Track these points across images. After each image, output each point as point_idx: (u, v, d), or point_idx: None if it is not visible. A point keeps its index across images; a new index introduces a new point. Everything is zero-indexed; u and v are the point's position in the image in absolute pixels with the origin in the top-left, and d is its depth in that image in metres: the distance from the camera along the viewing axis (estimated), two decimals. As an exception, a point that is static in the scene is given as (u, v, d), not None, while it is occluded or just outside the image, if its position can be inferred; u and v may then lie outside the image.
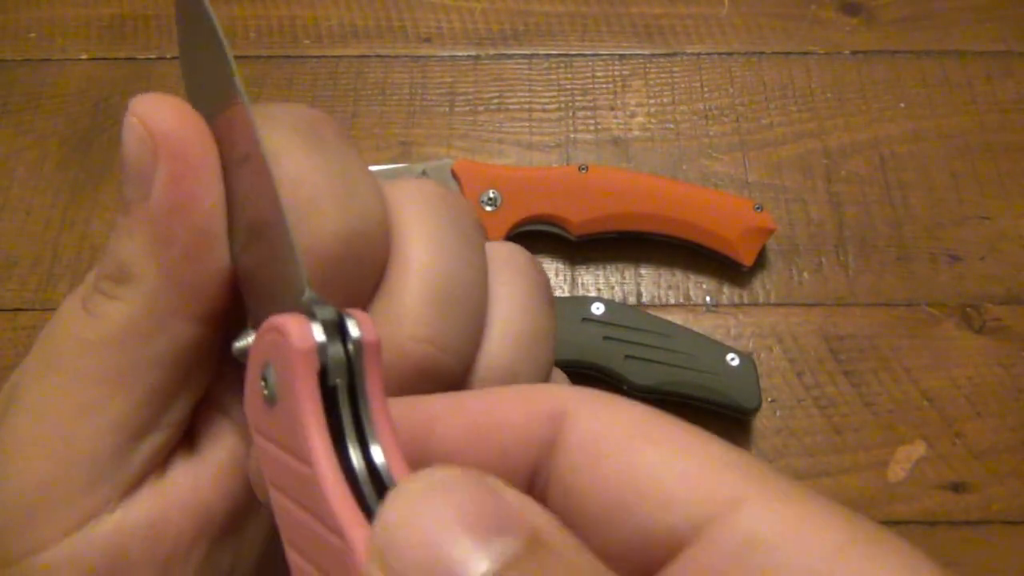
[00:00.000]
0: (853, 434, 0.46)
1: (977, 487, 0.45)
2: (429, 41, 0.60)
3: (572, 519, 0.14)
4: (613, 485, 0.14)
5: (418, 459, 0.14)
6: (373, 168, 0.52)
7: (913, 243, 0.52)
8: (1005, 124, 0.56)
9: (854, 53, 0.58)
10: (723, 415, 0.46)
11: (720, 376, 0.45)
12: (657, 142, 0.55)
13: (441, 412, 0.15)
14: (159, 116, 0.16)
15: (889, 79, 0.57)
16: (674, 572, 0.13)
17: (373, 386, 0.14)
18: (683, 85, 0.58)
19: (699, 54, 0.59)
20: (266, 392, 0.14)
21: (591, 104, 0.57)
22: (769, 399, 0.47)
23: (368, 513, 0.12)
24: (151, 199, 0.16)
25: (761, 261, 0.51)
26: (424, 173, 0.51)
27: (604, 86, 0.58)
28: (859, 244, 0.52)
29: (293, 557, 0.13)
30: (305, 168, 0.16)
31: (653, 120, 0.56)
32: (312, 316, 0.14)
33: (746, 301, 0.50)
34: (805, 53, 0.59)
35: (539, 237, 0.51)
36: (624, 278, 0.51)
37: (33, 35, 0.60)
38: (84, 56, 0.59)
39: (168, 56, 0.59)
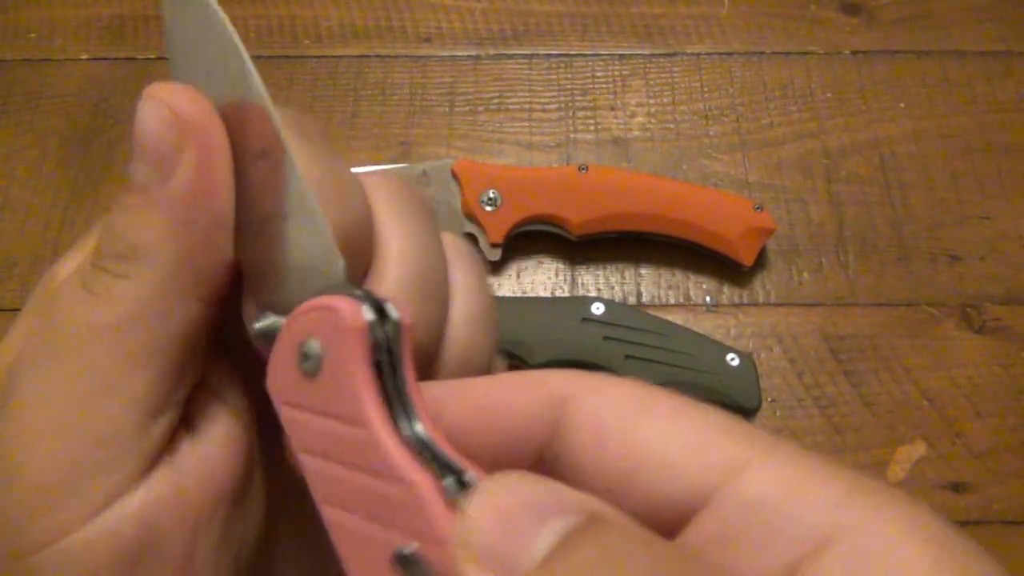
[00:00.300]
0: (853, 434, 0.46)
1: (977, 487, 0.45)
2: (429, 41, 0.60)
3: (563, 467, 0.15)
4: (618, 460, 0.14)
5: None
6: (373, 168, 0.52)
7: (913, 243, 0.52)
8: (1005, 124, 0.56)
9: (854, 53, 0.58)
10: (723, 415, 0.46)
11: (720, 376, 0.45)
12: (657, 142, 0.55)
13: (448, 397, 0.16)
14: (184, 102, 0.17)
15: (889, 79, 0.57)
16: (687, 539, 0.14)
17: (408, 364, 0.15)
18: (683, 85, 0.58)
19: (699, 54, 0.59)
20: (306, 365, 0.15)
21: (591, 104, 0.57)
22: (769, 399, 0.47)
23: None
24: (175, 182, 0.16)
25: (761, 261, 0.51)
26: (424, 173, 0.51)
27: (604, 86, 0.58)
28: (859, 244, 0.52)
29: (332, 512, 0.15)
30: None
31: (653, 120, 0.56)
32: (359, 298, 0.15)
33: (746, 301, 0.50)
34: (805, 53, 0.59)
35: (539, 237, 0.51)
36: (624, 278, 0.51)
37: (33, 35, 0.60)
38: (84, 56, 0.59)
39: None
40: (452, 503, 0.13)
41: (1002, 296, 0.50)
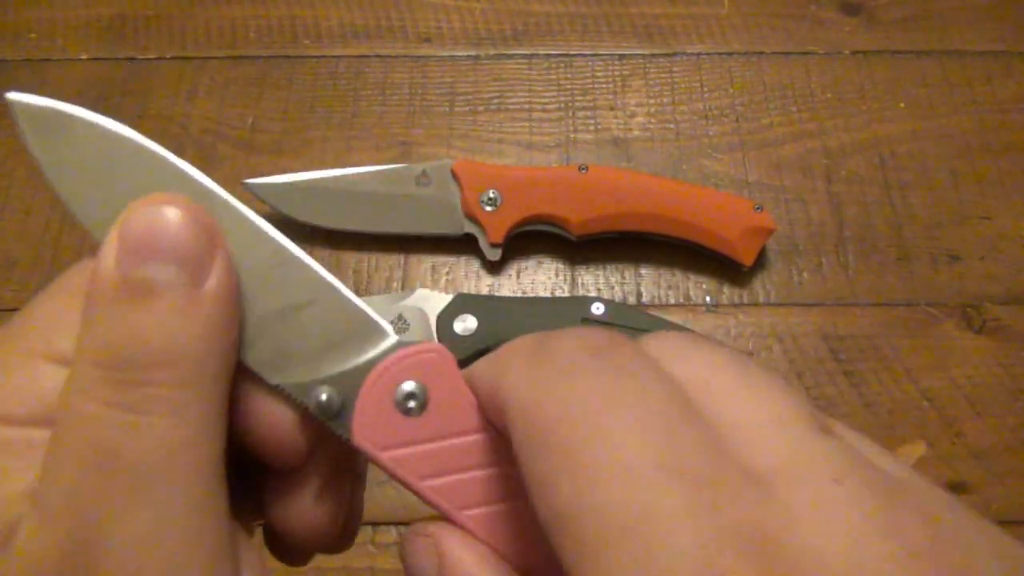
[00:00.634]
0: (853, 434, 0.46)
1: (977, 487, 0.45)
2: (429, 41, 0.60)
3: None
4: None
5: None
6: (373, 168, 0.52)
7: (913, 243, 0.52)
8: (1005, 124, 0.56)
9: (854, 53, 0.58)
10: (723, 415, 0.46)
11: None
12: (657, 142, 0.55)
13: None
14: (196, 207, 0.16)
15: (889, 79, 0.57)
16: None
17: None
18: (683, 85, 0.58)
19: (699, 54, 0.59)
20: (410, 406, 0.18)
21: (591, 104, 0.57)
22: (769, 399, 0.47)
23: None
24: (211, 284, 0.16)
25: (761, 261, 0.51)
26: (424, 173, 0.51)
27: (604, 86, 0.58)
28: (859, 244, 0.52)
29: (475, 513, 0.18)
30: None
31: (653, 120, 0.56)
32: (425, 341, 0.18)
33: (746, 301, 0.50)
34: (805, 53, 0.59)
35: (539, 237, 0.51)
36: (624, 278, 0.51)
37: (33, 35, 0.60)
38: (84, 56, 0.59)
39: (168, 56, 0.59)
40: None
41: (1002, 296, 0.50)
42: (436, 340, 0.47)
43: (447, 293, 0.48)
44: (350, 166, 0.52)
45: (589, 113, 0.57)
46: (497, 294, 0.51)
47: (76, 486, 0.15)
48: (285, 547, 0.20)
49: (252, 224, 0.18)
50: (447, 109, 0.57)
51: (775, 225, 0.50)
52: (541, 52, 0.59)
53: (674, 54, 0.59)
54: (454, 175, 0.51)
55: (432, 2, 0.61)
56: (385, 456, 0.18)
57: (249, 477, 0.19)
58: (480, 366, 0.17)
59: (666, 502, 0.12)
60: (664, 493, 0.12)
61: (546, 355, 0.15)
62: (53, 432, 0.16)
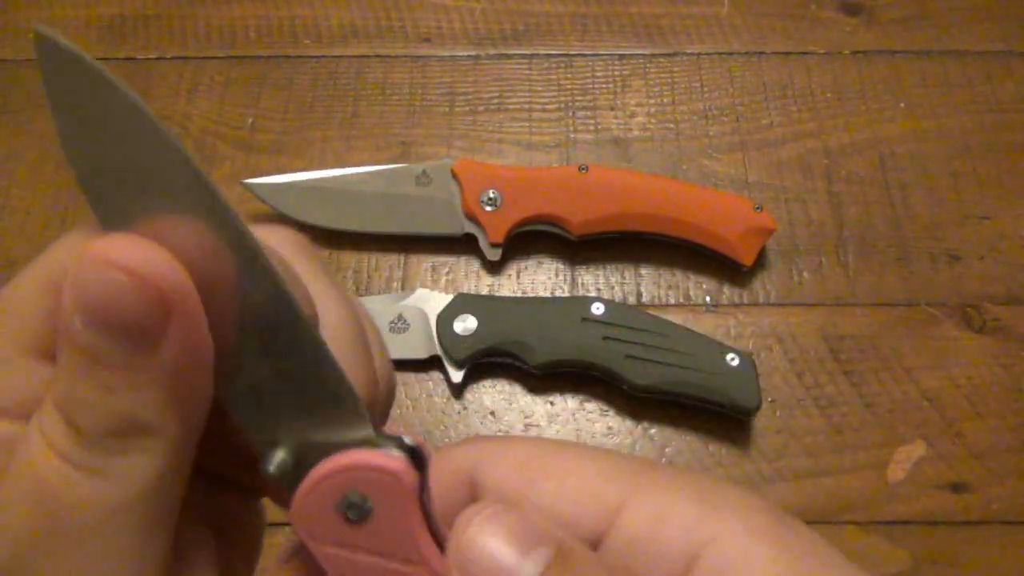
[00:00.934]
0: (853, 434, 0.46)
1: (977, 487, 0.45)
2: (429, 41, 0.60)
3: None
4: None
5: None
6: (373, 168, 0.52)
7: (913, 243, 0.52)
8: (1005, 124, 0.56)
9: (854, 53, 0.58)
10: (723, 415, 0.46)
11: (720, 376, 0.45)
12: (657, 142, 0.55)
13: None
14: (155, 267, 0.15)
15: (889, 79, 0.57)
16: None
17: (430, 490, 0.17)
18: (683, 85, 0.58)
19: (699, 54, 0.59)
20: (351, 514, 0.17)
21: (591, 104, 0.57)
22: (769, 399, 0.47)
23: None
24: (164, 354, 0.15)
25: (761, 261, 0.51)
26: (424, 173, 0.51)
27: (604, 86, 0.58)
28: (859, 244, 0.52)
29: None
30: (334, 308, 0.18)
31: (653, 120, 0.56)
32: (399, 450, 0.16)
33: (746, 301, 0.50)
34: (805, 53, 0.59)
35: (539, 237, 0.51)
36: (624, 278, 0.51)
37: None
38: (84, 56, 0.59)
39: (168, 56, 0.59)
40: None
41: (1002, 296, 0.50)
42: (436, 340, 0.47)
43: (447, 293, 0.48)
44: (350, 166, 0.52)
45: (589, 113, 0.57)
46: (497, 294, 0.51)
47: (16, 518, 0.15)
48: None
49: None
50: (447, 109, 0.57)
51: (775, 225, 0.50)
52: (541, 52, 0.59)
53: (674, 54, 0.59)
54: (454, 175, 0.51)
55: (432, 2, 0.61)
56: (318, 547, 0.17)
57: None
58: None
59: None
60: None
61: None
62: (13, 455, 0.16)
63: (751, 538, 0.16)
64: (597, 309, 0.46)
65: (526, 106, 0.57)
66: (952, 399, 0.47)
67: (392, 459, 0.16)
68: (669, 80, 0.58)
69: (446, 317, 0.47)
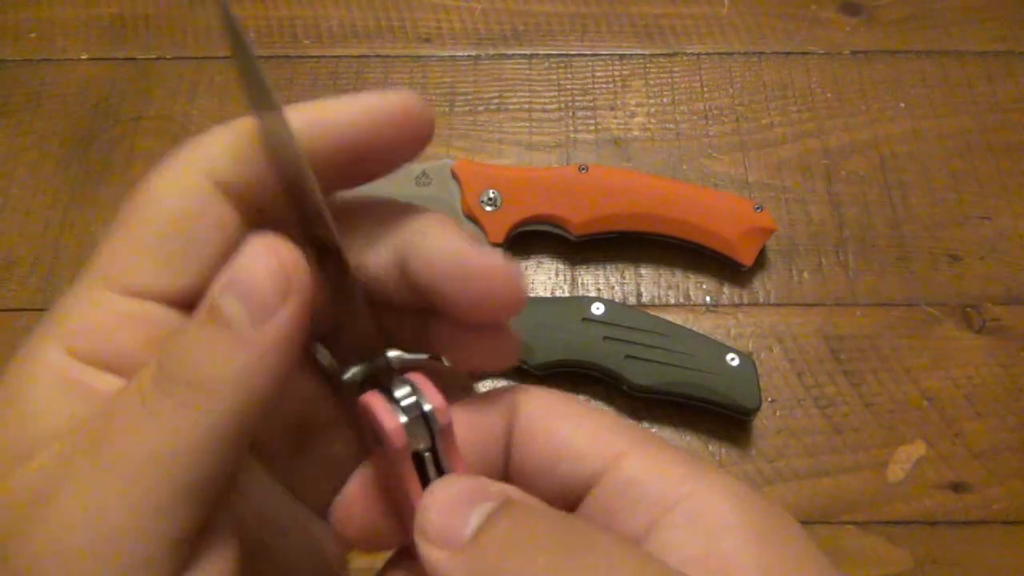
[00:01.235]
0: (853, 434, 0.46)
1: (977, 487, 0.45)
2: (429, 41, 0.60)
3: (522, 479, 0.20)
4: (543, 452, 0.20)
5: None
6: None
7: (913, 243, 0.52)
8: (1005, 124, 0.56)
9: (854, 53, 0.58)
10: (723, 415, 0.46)
11: (720, 376, 0.45)
12: (657, 142, 0.55)
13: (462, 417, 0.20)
14: (290, 258, 0.17)
15: (889, 79, 0.57)
16: (586, 507, 0.19)
17: (449, 451, 0.19)
18: (683, 85, 0.58)
19: (699, 54, 0.59)
20: (372, 440, 0.19)
21: (591, 104, 0.57)
22: (769, 399, 0.47)
23: None
24: (269, 329, 0.17)
25: (761, 261, 0.51)
26: (424, 173, 0.51)
27: (604, 86, 0.58)
28: (859, 244, 0.52)
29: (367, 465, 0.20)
30: None
31: (653, 120, 0.56)
32: (395, 402, 0.18)
33: (746, 301, 0.50)
34: (805, 53, 0.59)
35: (539, 237, 0.51)
36: (624, 278, 0.51)
37: (33, 35, 0.60)
38: (84, 56, 0.59)
39: (168, 56, 0.59)
40: None
41: (1002, 296, 0.50)
42: None
43: (447, 293, 0.48)
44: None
45: (589, 113, 0.57)
46: (497, 294, 0.51)
47: (68, 447, 0.16)
48: None
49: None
50: (447, 109, 0.57)
51: (775, 225, 0.50)
52: (541, 52, 0.59)
53: (674, 54, 0.59)
54: (454, 175, 0.51)
55: (432, 2, 0.61)
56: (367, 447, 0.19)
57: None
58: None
59: None
60: None
61: None
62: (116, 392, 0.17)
63: (727, 500, 0.18)
64: (597, 309, 0.46)
65: (526, 106, 0.57)
66: (952, 399, 0.47)
67: (390, 418, 0.18)
68: (669, 80, 0.58)
69: (446, 317, 0.47)
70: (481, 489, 0.18)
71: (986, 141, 0.55)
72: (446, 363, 0.21)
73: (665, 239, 0.51)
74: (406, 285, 0.20)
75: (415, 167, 0.52)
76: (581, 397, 0.47)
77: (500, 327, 0.20)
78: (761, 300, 0.50)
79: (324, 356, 0.20)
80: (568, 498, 0.19)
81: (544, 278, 0.51)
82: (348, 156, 0.18)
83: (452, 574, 0.17)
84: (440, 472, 0.19)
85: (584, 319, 0.46)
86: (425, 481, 0.19)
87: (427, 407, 0.18)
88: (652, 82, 0.58)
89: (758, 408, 0.45)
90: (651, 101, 0.57)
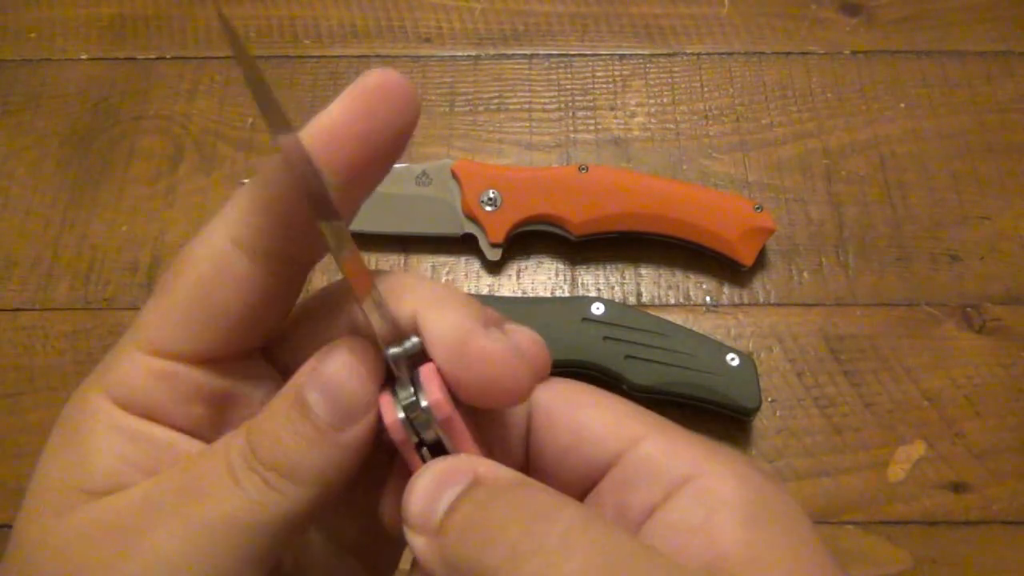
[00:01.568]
0: (853, 434, 0.46)
1: (977, 487, 0.45)
2: (429, 41, 0.60)
3: (542, 464, 0.21)
4: (564, 436, 0.21)
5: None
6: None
7: (913, 243, 0.52)
8: (1005, 124, 0.56)
9: (854, 53, 0.58)
10: (723, 415, 0.46)
11: (720, 376, 0.45)
12: (657, 142, 0.55)
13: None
14: (375, 368, 0.19)
15: (889, 79, 0.57)
16: (603, 486, 0.20)
17: (457, 442, 0.19)
18: (683, 85, 0.58)
19: (699, 54, 0.59)
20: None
21: (591, 104, 0.57)
22: (769, 399, 0.47)
23: None
24: (349, 436, 0.19)
25: (761, 261, 0.51)
26: (424, 173, 0.51)
27: (604, 86, 0.58)
28: (859, 244, 0.52)
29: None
30: None
31: (653, 120, 0.56)
32: (409, 408, 0.19)
33: (746, 301, 0.50)
34: (805, 53, 0.59)
35: (539, 237, 0.51)
36: (624, 278, 0.51)
37: (33, 35, 0.60)
38: (84, 56, 0.59)
39: (168, 56, 0.59)
40: None
41: (1002, 296, 0.50)
42: None
43: (447, 293, 0.48)
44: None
45: (589, 113, 0.57)
46: (497, 294, 0.51)
47: (155, 493, 0.18)
48: None
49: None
50: (447, 109, 0.57)
51: (775, 225, 0.50)
52: (541, 52, 0.59)
53: (674, 54, 0.59)
54: (454, 175, 0.51)
55: (432, 2, 0.61)
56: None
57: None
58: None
59: None
60: None
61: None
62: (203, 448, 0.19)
63: (732, 479, 0.19)
64: (597, 309, 0.46)
65: (526, 106, 0.57)
66: (952, 399, 0.47)
67: (389, 412, 0.19)
68: (669, 80, 0.58)
69: (446, 317, 0.47)
70: (452, 471, 0.18)
71: (986, 141, 0.55)
72: None
73: (665, 239, 0.51)
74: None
75: (415, 167, 0.52)
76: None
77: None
78: (761, 300, 0.50)
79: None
80: (587, 481, 0.20)
81: (544, 278, 0.51)
82: (354, 154, 0.19)
83: (428, 559, 0.18)
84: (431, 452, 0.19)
85: (584, 319, 0.46)
86: None
87: (424, 403, 0.19)
88: (652, 82, 0.58)
89: (758, 408, 0.45)
90: (651, 101, 0.57)
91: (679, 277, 0.51)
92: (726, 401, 0.45)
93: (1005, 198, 0.53)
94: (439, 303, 0.19)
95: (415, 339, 0.20)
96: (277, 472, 0.18)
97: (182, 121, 0.56)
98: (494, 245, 0.50)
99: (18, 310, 0.50)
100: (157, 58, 0.59)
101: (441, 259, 0.52)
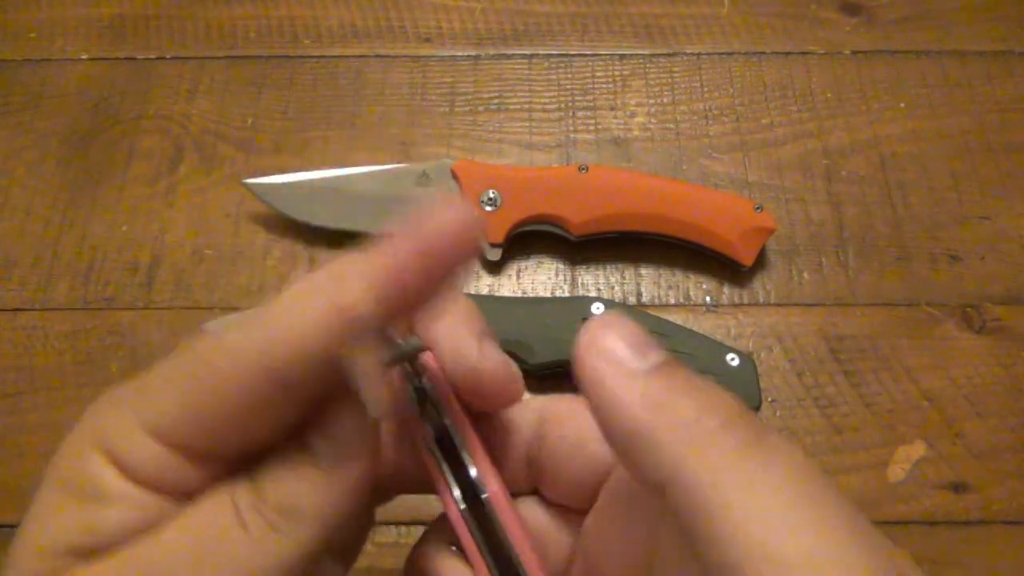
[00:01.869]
0: (853, 434, 0.46)
1: (977, 487, 0.45)
2: (429, 41, 0.60)
3: (552, 463, 0.24)
4: (572, 435, 0.23)
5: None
6: (373, 168, 0.52)
7: (913, 243, 0.52)
8: (1005, 124, 0.56)
9: (854, 53, 0.58)
10: (723, 415, 0.46)
11: (720, 376, 0.45)
12: (657, 142, 0.55)
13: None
14: (375, 421, 0.21)
15: (889, 79, 0.57)
16: (606, 486, 0.23)
17: (461, 428, 0.23)
18: (683, 85, 0.58)
19: (699, 54, 0.59)
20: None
21: (591, 104, 0.57)
22: (769, 399, 0.47)
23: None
24: (352, 472, 0.20)
25: (761, 261, 0.51)
26: (424, 173, 0.51)
27: (604, 86, 0.58)
28: (859, 244, 0.52)
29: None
30: None
31: (653, 120, 0.56)
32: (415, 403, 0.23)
33: (746, 301, 0.50)
34: (805, 53, 0.59)
35: (539, 237, 0.51)
36: (624, 278, 0.51)
37: (33, 35, 0.60)
38: (84, 56, 0.59)
39: (168, 56, 0.59)
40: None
41: (1002, 296, 0.50)
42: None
43: (447, 293, 0.48)
44: (350, 166, 0.52)
45: (589, 113, 0.57)
46: (497, 294, 0.51)
47: (172, 540, 0.19)
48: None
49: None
50: (447, 109, 0.57)
51: (775, 225, 0.50)
52: (541, 52, 0.59)
53: (674, 54, 0.59)
54: (454, 175, 0.51)
55: (432, 2, 0.61)
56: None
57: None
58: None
59: None
60: None
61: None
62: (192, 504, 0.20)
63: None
64: (597, 309, 0.46)
65: (526, 106, 0.57)
66: (952, 399, 0.47)
67: (452, 508, 0.22)
68: (669, 80, 0.58)
69: (446, 317, 0.47)
70: (645, 339, 0.20)
71: (986, 141, 0.55)
72: None
73: (665, 239, 0.51)
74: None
75: (415, 167, 0.52)
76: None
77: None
78: (761, 300, 0.50)
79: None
80: (595, 476, 0.23)
81: (544, 278, 0.51)
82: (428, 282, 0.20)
83: (625, 390, 0.19)
84: (454, 446, 0.22)
85: (584, 319, 0.46)
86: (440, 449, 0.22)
87: (484, 494, 0.22)
88: (652, 82, 0.58)
89: (758, 408, 0.45)
90: (651, 101, 0.57)
91: (679, 277, 0.51)
92: (726, 401, 0.45)
93: (1005, 198, 0.53)
94: (452, 326, 0.23)
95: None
96: (280, 513, 0.19)
97: (182, 121, 0.56)
98: (494, 245, 0.50)
99: (18, 310, 0.50)
100: (157, 58, 0.59)
101: (441, 259, 0.52)
